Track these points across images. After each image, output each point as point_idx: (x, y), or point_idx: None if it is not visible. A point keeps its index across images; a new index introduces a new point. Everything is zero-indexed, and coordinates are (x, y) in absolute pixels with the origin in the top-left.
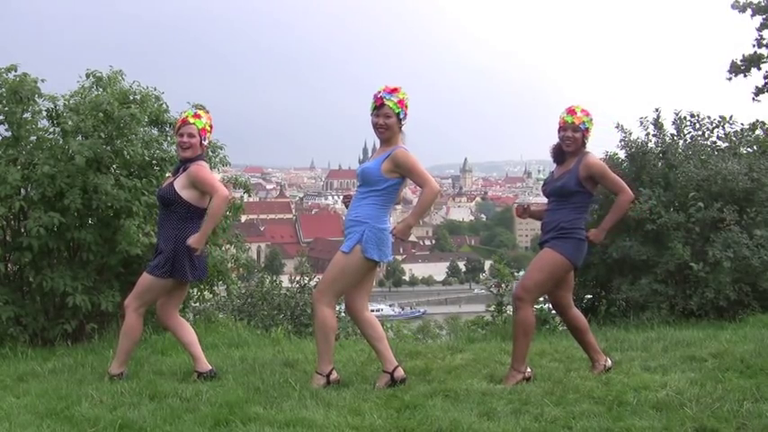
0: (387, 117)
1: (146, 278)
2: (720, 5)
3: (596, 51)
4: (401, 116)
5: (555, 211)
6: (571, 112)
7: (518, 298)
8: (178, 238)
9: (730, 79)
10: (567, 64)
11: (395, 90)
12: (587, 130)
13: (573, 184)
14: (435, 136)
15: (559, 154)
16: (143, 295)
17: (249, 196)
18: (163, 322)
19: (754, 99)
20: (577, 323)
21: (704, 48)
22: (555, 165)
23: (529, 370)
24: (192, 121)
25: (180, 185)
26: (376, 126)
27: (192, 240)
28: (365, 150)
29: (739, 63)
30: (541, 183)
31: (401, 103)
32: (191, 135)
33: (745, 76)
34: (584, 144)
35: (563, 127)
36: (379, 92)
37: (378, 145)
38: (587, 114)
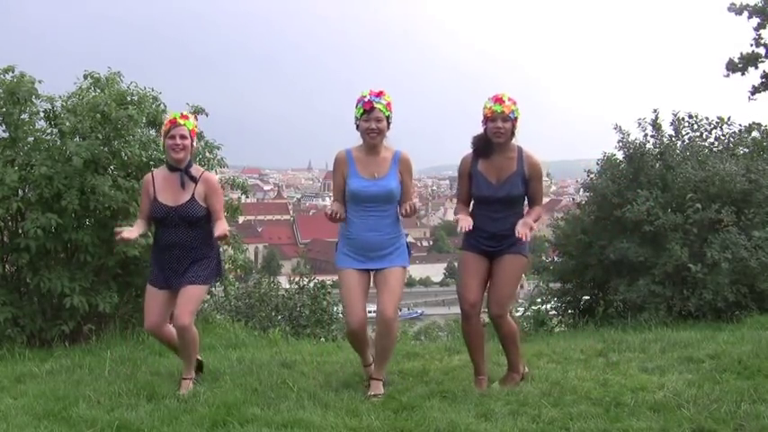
0: (378, 121)
1: (199, 290)
2: (718, 6)
3: (593, 52)
4: (390, 119)
5: (503, 219)
6: (498, 100)
7: (498, 316)
8: (207, 242)
9: (728, 76)
10: (563, 67)
11: (381, 93)
12: (516, 119)
13: (522, 187)
14: (432, 138)
15: (485, 146)
16: (197, 308)
17: (247, 197)
18: (157, 329)
19: (750, 98)
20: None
21: (702, 49)
22: (478, 159)
23: (526, 369)
24: (181, 122)
25: (201, 198)
26: (368, 131)
27: (222, 230)
28: None
29: (737, 62)
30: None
31: (389, 105)
32: (183, 136)
33: (743, 74)
34: (513, 134)
35: (491, 118)
36: (365, 96)
37: (358, 153)
38: (515, 103)
